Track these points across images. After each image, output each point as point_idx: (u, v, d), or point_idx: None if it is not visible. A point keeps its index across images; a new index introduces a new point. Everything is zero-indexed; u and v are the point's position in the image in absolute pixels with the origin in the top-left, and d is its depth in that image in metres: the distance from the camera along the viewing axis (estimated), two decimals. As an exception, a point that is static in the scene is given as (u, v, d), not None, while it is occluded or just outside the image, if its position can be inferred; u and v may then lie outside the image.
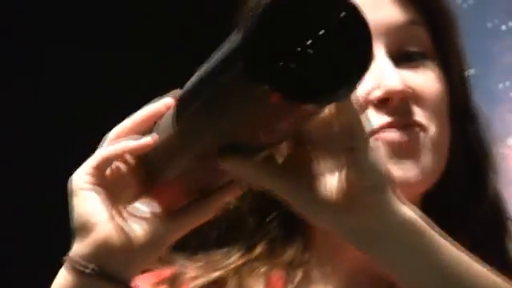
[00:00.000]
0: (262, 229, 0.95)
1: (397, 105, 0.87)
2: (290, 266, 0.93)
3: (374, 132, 0.86)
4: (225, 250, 0.95)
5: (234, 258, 0.95)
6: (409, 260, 0.70)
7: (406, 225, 0.68)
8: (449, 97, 0.93)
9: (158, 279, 0.96)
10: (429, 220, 0.71)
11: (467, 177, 0.95)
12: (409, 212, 0.67)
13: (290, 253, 0.94)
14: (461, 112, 0.95)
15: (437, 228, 0.71)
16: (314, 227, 0.91)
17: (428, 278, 0.70)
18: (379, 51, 0.88)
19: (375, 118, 0.87)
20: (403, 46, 0.91)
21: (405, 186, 0.83)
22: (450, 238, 0.72)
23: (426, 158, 0.90)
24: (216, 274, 0.94)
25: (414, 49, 0.91)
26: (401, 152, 0.88)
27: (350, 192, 0.64)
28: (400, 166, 0.88)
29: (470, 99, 0.97)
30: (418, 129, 0.88)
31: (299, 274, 0.92)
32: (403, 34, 0.90)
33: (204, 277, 0.93)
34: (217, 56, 0.65)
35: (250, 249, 0.95)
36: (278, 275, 0.93)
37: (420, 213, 0.70)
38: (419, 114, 0.89)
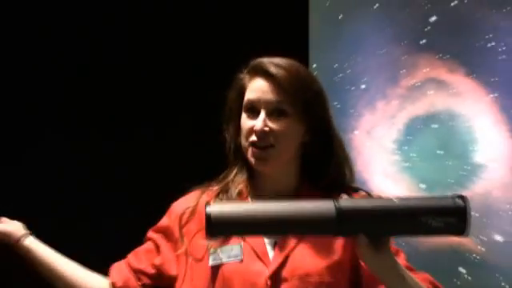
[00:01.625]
0: (239, 164, 1.72)
1: (259, 134, 1.63)
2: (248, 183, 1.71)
3: (249, 145, 1.64)
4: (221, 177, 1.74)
5: (228, 179, 1.72)
6: (399, 279, 1.51)
7: (397, 264, 1.51)
8: (305, 132, 1.67)
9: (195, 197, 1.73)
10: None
11: (324, 158, 1.71)
12: (396, 260, 1.51)
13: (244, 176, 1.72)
14: (321, 134, 1.68)
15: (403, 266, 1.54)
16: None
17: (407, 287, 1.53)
18: (262, 112, 1.63)
19: (250, 138, 1.63)
20: (275, 110, 1.64)
21: (266, 169, 1.65)
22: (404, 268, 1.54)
23: (273, 162, 1.65)
24: (222, 186, 1.72)
25: (282, 111, 1.64)
26: (259, 159, 1.65)
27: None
28: (259, 164, 1.65)
29: (329, 129, 1.70)
30: (270, 148, 1.64)
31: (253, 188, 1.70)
32: (276, 105, 1.64)
33: (219, 186, 1.72)
34: (425, 206, 1.43)
35: (232, 173, 1.72)
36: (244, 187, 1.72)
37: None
38: (272, 140, 1.63)
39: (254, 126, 1.64)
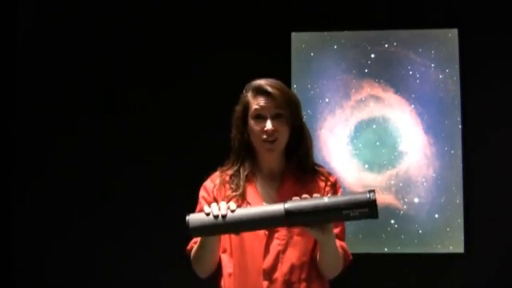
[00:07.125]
0: (242, 155, 1.92)
1: (270, 133, 1.84)
2: (252, 171, 1.93)
3: (262, 141, 1.84)
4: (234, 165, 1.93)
5: (236, 167, 1.92)
6: (331, 249, 1.78)
7: (333, 238, 1.77)
8: (290, 128, 1.86)
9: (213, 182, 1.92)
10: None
11: (297, 144, 1.91)
12: (334, 236, 1.80)
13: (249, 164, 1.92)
14: (296, 128, 1.90)
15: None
16: (257, 160, 1.90)
17: (333, 256, 1.82)
18: (268, 117, 1.84)
19: (263, 136, 1.83)
20: (276, 115, 1.84)
21: (272, 154, 1.87)
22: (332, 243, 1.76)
23: (276, 150, 1.87)
24: (234, 170, 1.93)
25: (279, 115, 1.84)
26: (269, 149, 1.85)
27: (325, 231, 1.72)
28: (269, 151, 1.86)
29: (301, 125, 1.89)
30: (276, 141, 1.84)
31: (256, 175, 1.93)
32: (276, 111, 1.84)
33: (232, 169, 1.94)
34: (346, 202, 1.52)
35: (239, 162, 1.92)
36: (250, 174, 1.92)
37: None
38: (277, 136, 1.84)
39: (263, 128, 1.89)
